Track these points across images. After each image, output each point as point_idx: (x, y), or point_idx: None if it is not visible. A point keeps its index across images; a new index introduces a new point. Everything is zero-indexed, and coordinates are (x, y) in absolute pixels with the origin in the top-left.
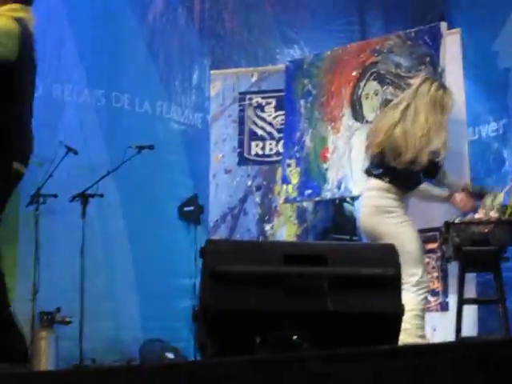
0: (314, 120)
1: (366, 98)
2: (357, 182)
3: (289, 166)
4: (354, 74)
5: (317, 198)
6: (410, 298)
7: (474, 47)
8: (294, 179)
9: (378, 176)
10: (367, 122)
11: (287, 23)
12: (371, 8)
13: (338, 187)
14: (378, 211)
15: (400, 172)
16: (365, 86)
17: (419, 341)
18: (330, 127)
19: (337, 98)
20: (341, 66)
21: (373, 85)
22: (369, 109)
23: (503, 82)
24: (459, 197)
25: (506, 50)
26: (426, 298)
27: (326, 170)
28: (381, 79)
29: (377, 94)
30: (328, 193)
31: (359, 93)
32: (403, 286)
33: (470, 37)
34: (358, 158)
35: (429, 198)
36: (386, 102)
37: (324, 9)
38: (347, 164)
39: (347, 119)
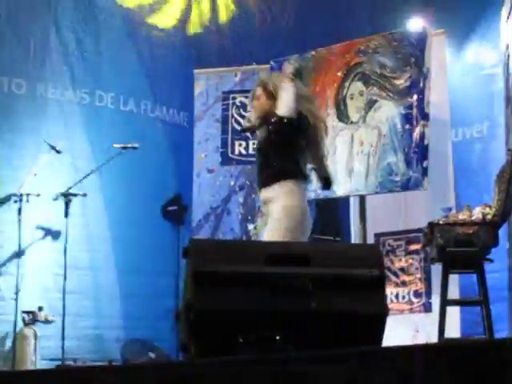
0: None
1: (351, 98)
2: (341, 183)
3: None
4: (338, 74)
5: None
6: None
7: (459, 48)
8: None
9: None
10: (352, 122)
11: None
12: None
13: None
14: None
15: None
16: (349, 86)
17: None
18: None
19: (321, 98)
20: (326, 66)
21: (357, 85)
22: (353, 109)
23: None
24: None
25: (493, 50)
26: None
27: (310, 170)
28: (365, 80)
29: (362, 95)
30: (312, 193)
31: (344, 93)
32: None
33: (455, 38)
34: (343, 159)
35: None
36: (370, 103)
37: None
38: (331, 165)
39: (332, 119)
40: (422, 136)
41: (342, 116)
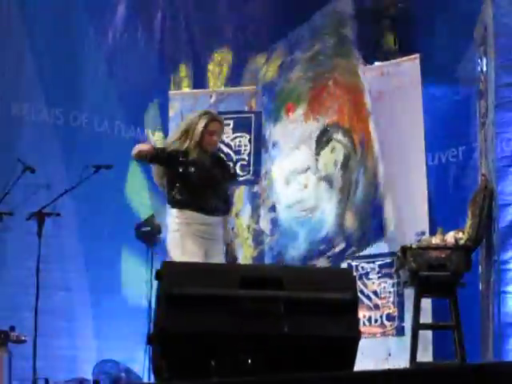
0: None
1: None
2: None
3: None
4: None
5: None
6: None
7: (434, 72)
8: None
9: None
10: None
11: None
12: None
13: None
14: None
15: None
16: None
17: None
18: None
19: None
20: None
21: None
22: None
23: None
24: None
25: (466, 75)
26: None
27: None
28: None
29: None
30: None
31: None
32: None
33: (430, 62)
34: None
35: None
36: None
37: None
38: None
39: None
40: None
41: None
